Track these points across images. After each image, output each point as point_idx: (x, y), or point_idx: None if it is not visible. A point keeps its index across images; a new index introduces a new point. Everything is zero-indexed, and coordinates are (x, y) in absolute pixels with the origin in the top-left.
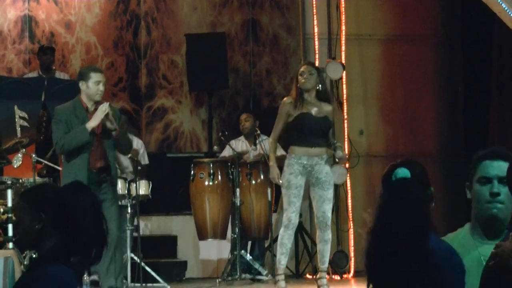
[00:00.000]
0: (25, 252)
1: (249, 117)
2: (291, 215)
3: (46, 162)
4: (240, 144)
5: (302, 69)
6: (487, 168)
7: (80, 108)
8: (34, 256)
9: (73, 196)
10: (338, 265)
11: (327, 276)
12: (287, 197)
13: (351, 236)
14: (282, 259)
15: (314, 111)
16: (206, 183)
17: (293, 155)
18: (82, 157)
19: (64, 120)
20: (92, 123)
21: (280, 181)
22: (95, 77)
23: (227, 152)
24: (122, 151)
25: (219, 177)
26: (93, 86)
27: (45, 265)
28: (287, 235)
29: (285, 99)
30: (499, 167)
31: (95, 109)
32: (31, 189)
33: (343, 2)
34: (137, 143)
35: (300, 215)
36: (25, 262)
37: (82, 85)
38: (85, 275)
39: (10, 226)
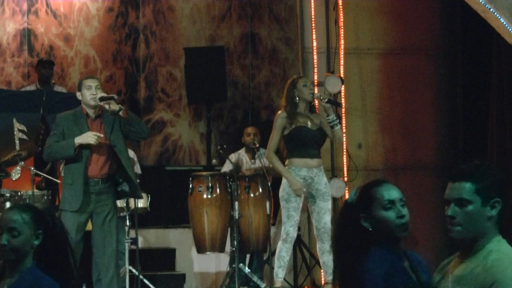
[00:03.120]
0: None
1: (257, 132)
2: (289, 229)
3: (44, 175)
4: (240, 158)
5: (302, 82)
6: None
7: (80, 115)
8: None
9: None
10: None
11: None
12: (286, 211)
13: None
14: (280, 272)
15: (309, 123)
16: (205, 196)
17: (293, 167)
18: (77, 166)
19: (62, 126)
20: (79, 140)
21: (302, 193)
22: (86, 83)
23: (227, 167)
24: (139, 133)
25: (218, 190)
26: (86, 92)
27: (38, 274)
28: (285, 249)
29: (279, 112)
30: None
31: (98, 116)
32: (31, 206)
33: (341, 16)
34: (133, 155)
35: (299, 228)
36: None
37: (79, 96)
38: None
39: None
